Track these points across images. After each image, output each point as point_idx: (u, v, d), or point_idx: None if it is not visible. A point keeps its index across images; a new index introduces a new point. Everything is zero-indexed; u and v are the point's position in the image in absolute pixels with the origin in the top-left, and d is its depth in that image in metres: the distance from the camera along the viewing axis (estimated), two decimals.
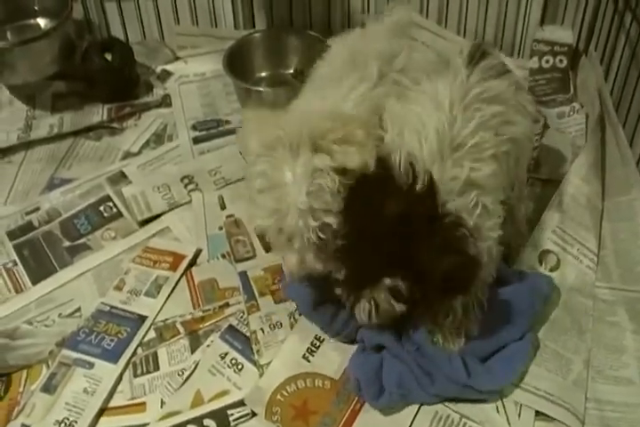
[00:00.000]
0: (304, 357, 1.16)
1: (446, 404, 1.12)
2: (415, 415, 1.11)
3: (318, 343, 1.18)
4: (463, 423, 1.10)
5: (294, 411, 1.10)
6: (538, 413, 1.11)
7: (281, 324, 1.22)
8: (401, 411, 1.11)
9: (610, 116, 1.52)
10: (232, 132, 1.63)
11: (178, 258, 1.35)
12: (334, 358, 1.16)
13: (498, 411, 1.10)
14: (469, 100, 1.08)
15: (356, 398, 1.12)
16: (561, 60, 1.70)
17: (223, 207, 1.45)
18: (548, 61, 1.70)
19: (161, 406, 1.14)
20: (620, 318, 1.23)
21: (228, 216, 1.43)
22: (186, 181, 1.51)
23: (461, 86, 1.09)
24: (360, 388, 1.11)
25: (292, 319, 1.23)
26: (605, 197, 1.42)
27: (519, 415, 1.10)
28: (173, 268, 1.34)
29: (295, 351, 1.17)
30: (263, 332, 1.22)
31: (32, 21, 1.77)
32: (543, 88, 1.69)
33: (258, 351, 1.19)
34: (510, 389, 1.12)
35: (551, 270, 1.28)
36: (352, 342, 1.18)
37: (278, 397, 1.11)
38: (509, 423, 1.10)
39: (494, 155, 1.07)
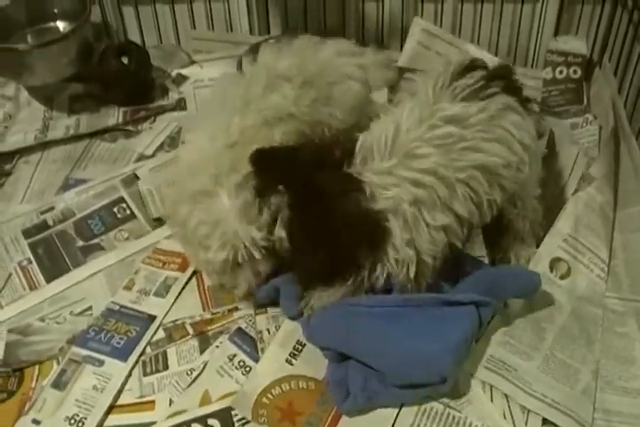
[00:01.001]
0: (287, 360, 1.17)
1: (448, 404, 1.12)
2: (399, 410, 1.11)
3: (300, 347, 1.19)
4: (447, 413, 1.10)
5: (280, 413, 1.11)
6: (545, 421, 1.10)
7: None
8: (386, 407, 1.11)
9: (624, 129, 1.52)
10: None
11: (186, 260, 1.35)
12: (317, 360, 1.17)
13: (505, 417, 1.10)
14: (427, 116, 1.09)
15: None
16: (575, 71, 1.70)
17: None
18: (561, 72, 1.71)
19: (169, 405, 1.15)
20: (630, 329, 1.23)
21: None
22: None
23: (425, 104, 1.11)
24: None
25: None
26: (617, 208, 1.41)
27: (526, 423, 1.10)
28: (182, 269, 1.34)
29: (278, 356, 1.18)
30: (269, 332, 1.23)
31: (51, 24, 1.79)
32: (556, 99, 1.70)
33: (262, 350, 1.20)
34: (517, 393, 1.12)
35: (562, 278, 1.28)
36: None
37: (264, 400, 1.12)
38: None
39: (441, 176, 1.07)
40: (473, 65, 1.17)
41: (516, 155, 1.13)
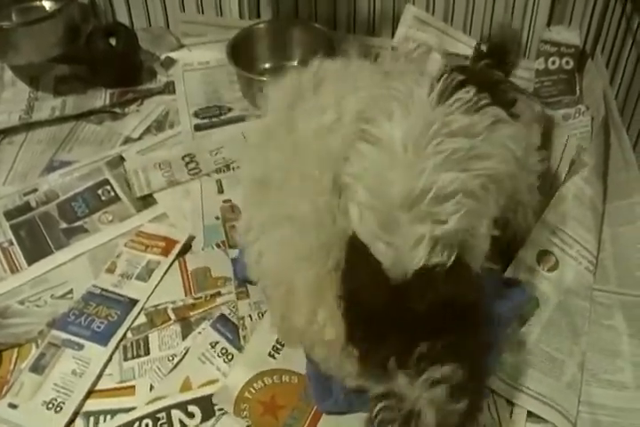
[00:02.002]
0: (270, 354, 1.16)
1: None
2: None
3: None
4: None
5: (262, 407, 1.09)
6: (530, 414, 1.10)
7: None
8: None
9: (614, 120, 1.52)
10: (234, 120, 1.64)
11: (170, 243, 1.34)
12: (300, 353, 1.14)
13: (489, 409, 1.09)
14: (429, 137, 0.97)
15: None
16: (567, 62, 1.69)
17: (221, 191, 1.46)
18: (554, 63, 1.69)
19: (150, 391, 1.14)
20: (617, 322, 1.22)
21: (225, 201, 1.43)
22: (187, 159, 1.51)
23: (420, 124, 0.98)
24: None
25: None
26: (606, 200, 1.41)
27: (511, 415, 1.09)
28: (165, 253, 1.33)
29: (260, 350, 1.16)
30: (251, 318, 1.22)
31: (37, 3, 1.76)
32: (549, 89, 1.68)
33: (244, 337, 1.19)
34: (502, 386, 1.11)
35: (549, 271, 1.26)
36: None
37: (246, 394, 1.11)
38: (500, 422, 1.09)
39: (465, 194, 0.97)
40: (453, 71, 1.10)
41: (509, 166, 1.07)
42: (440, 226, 0.92)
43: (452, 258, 0.91)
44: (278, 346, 1.16)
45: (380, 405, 0.85)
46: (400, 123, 0.99)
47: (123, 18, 1.87)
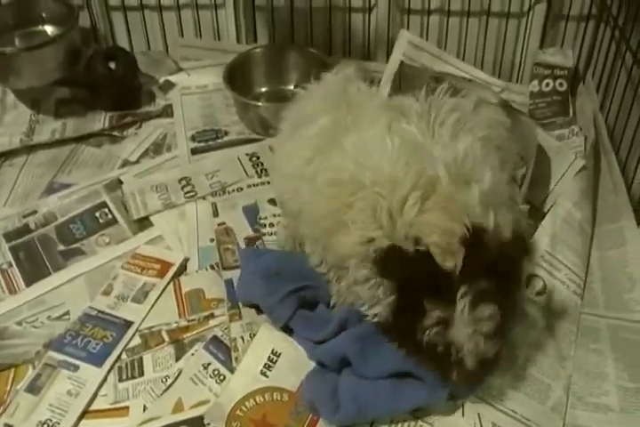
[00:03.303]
0: (262, 372, 1.17)
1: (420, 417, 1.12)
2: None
3: (275, 358, 1.18)
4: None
5: (254, 425, 1.11)
6: None
7: None
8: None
9: (604, 144, 1.54)
10: (230, 143, 1.66)
11: (165, 266, 1.36)
12: (292, 371, 1.17)
13: None
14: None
15: None
16: (561, 84, 1.72)
17: (215, 215, 1.47)
18: (548, 85, 1.72)
19: (143, 411, 1.15)
20: (603, 346, 1.24)
21: (220, 224, 1.45)
22: (183, 182, 1.54)
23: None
24: (315, 408, 1.12)
25: None
26: (595, 224, 1.43)
27: None
28: (160, 275, 1.35)
29: (252, 368, 1.18)
30: (243, 340, 1.23)
31: (39, 28, 1.79)
32: (543, 111, 1.71)
33: (236, 359, 1.20)
34: (488, 409, 1.12)
35: (538, 294, 1.28)
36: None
37: (238, 412, 1.12)
38: None
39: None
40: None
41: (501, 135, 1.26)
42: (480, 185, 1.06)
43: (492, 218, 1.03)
44: (270, 363, 1.18)
45: (434, 329, 1.00)
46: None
47: (122, 42, 1.90)
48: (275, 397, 1.14)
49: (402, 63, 1.60)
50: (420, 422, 1.12)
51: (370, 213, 1.06)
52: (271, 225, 1.44)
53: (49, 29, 1.79)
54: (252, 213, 1.47)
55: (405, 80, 1.55)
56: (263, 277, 1.26)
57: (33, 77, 1.68)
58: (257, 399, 1.14)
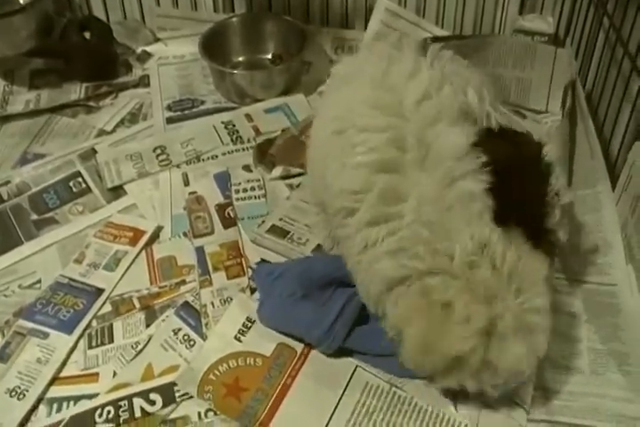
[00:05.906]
0: (236, 337, 1.16)
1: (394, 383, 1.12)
2: (346, 387, 1.11)
3: (250, 324, 1.18)
4: (393, 392, 1.10)
5: (226, 389, 1.10)
6: None
7: (231, 299, 1.23)
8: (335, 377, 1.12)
9: (581, 109, 1.53)
10: (206, 112, 1.65)
11: (138, 233, 1.36)
12: (266, 335, 1.16)
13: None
14: None
15: (288, 372, 1.12)
16: None
17: (186, 184, 1.46)
18: None
19: (113, 377, 1.15)
20: (577, 309, 1.23)
21: (191, 193, 1.44)
22: (158, 151, 1.53)
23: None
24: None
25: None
26: (572, 188, 1.41)
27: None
28: (132, 243, 1.34)
29: (227, 333, 1.17)
30: (213, 306, 1.23)
31: None
32: None
33: (206, 325, 1.20)
34: None
35: None
36: None
37: (210, 376, 1.12)
38: (456, 408, 1.09)
39: None
40: None
41: None
42: None
43: None
44: (244, 329, 1.17)
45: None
46: None
47: (99, 12, 1.88)
48: (248, 361, 1.14)
49: None
50: (393, 389, 1.11)
51: None
52: (244, 190, 1.43)
53: None
54: (223, 180, 1.46)
55: None
56: (293, 304, 1.17)
57: (4, 46, 1.66)
58: (230, 364, 1.13)
